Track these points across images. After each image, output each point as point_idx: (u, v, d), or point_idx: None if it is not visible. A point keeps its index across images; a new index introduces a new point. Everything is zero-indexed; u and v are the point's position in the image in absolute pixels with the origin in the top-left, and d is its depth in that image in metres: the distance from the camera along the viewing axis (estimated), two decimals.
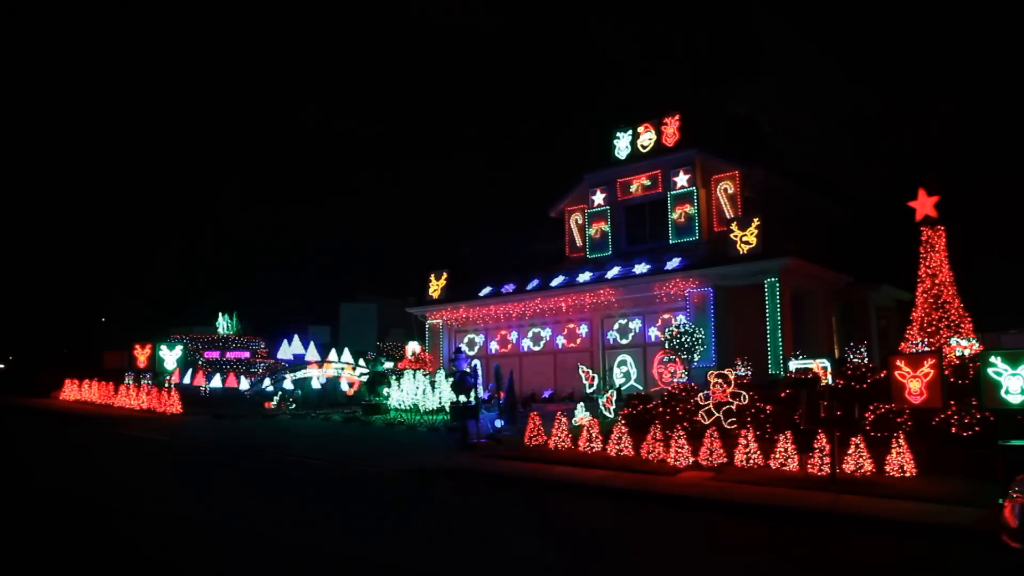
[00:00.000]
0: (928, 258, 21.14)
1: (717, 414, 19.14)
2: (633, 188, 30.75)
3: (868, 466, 15.48)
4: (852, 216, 33.69)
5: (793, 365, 21.82)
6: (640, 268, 28.20)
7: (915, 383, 16.57)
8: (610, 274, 28.84)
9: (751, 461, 16.30)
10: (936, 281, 20.94)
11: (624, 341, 29.27)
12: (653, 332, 28.36)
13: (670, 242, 29.34)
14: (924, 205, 21.11)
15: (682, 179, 29.42)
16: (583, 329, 30.21)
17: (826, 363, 21.65)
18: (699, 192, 29.00)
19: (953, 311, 20.64)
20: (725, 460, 16.47)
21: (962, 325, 20.64)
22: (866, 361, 19.02)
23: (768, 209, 26.85)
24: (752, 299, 25.59)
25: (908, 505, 13.11)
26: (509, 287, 31.19)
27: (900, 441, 15.81)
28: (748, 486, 14.57)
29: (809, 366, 21.32)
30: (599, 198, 31.15)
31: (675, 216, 29.35)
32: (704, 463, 16.46)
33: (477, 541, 11.25)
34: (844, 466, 15.55)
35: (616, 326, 29.54)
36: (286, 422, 28.30)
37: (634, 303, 28.62)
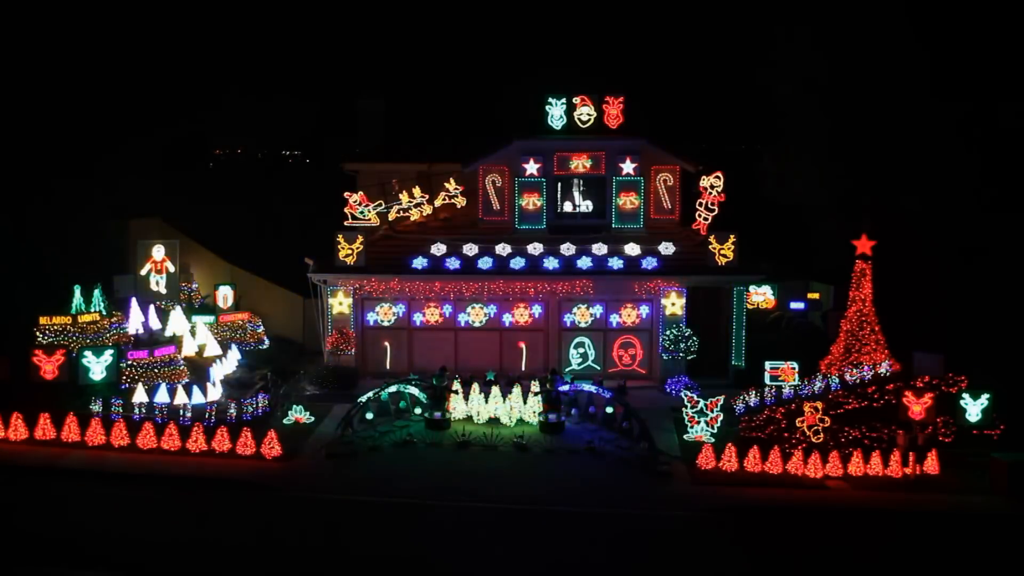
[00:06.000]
0: (859, 285, 27.26)
1: (810, 435, 23.02)
2: (573, 164, 31.89)
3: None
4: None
5: (767, 364, 26.32)
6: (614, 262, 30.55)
7: (917, 407, 20.50)
8: (582, 263, 30.45)
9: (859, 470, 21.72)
10: (864, 306, 27.20)
11: (583, 324, 31.27)
12: (615, 318, 31.04)
13: (613, 226, 31.41)
14: (863, 245, 27.32)
15: (628, 166, 31.40)
16: (536, 309, 31.40)
17: (795, 364, 25.65)
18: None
19: (871, 336, 27.14)
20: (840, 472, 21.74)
21: (879, 345, 27.08)
22: (867, 379, 22.54)
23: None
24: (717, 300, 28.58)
25: None
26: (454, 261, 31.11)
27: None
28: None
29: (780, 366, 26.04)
30: (532, 167, 31.83)
31: (620, 202, 31.25)
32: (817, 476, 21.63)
33: None
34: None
35: (574, 310, 31.29)
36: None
37: (597, 291, 30.82)
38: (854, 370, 25.16)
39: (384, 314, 31.58)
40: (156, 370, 27.72)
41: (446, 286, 31.01)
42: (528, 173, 31.92)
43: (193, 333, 30.76)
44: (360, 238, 30.97)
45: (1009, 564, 18.24)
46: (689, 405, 24.33)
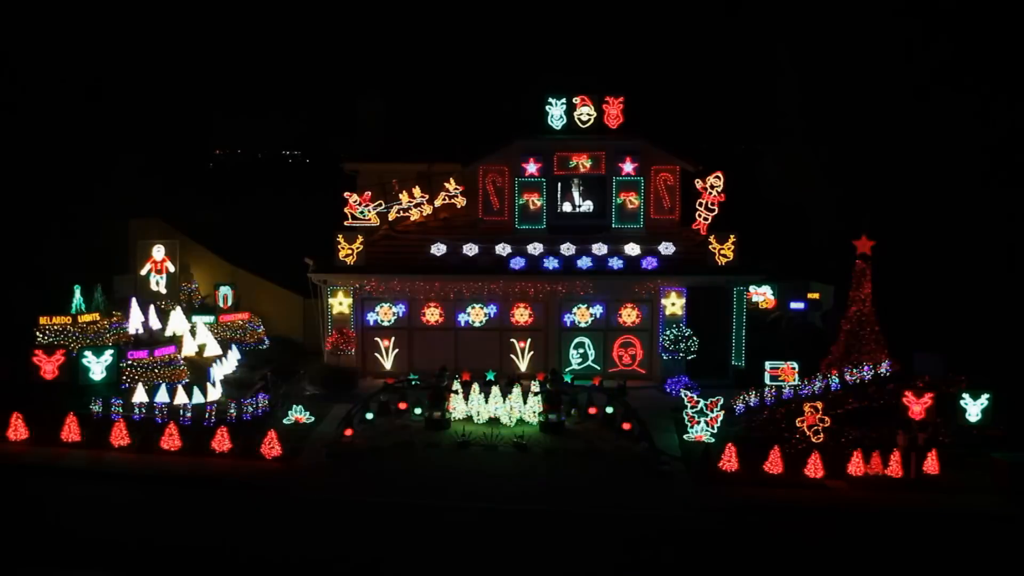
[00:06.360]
0: (859, 285, 27.21)
1: (810, 435, 22.95)
2: (573, 164, 31.92)
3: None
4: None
5: (767, 364, 27.15)
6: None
7: (917, 407, 20.69)
8: (582, 263, 30.53)
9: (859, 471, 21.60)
10: (864, 307, 27.10)
11: (583, 324, 31.37)
12: (615, 318, 31.19)
13: (613, 226, 31.55)
14: (864, 245, 27.29)
15: (628, 166, 31.52)
16: (536, 309, 31.53)
17: (795, 364, 25.85)
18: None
19: (871, 337, 27.02)
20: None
21: (879, 345, 26.97)
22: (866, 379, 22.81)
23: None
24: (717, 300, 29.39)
25: None
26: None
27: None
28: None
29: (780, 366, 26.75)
30: (532, 167, 31.85)
31: (620, 202, 31.39)
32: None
33: None
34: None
35: (574, 310, 31.39)
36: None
37: (597, 291, 31.02)
38: (854, 370, 25.25)
39: (384, 314, 31.60)
40: (156, 370, 27.73)
41: (446, 286, 31.05)
42: (528, 173, 31.94)
43: (193, 333, 30.78)
44: (360, 238, 31.02)
45: (1009, 564, 18.25)
46: (689, 405, 24.34)
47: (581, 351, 31.19)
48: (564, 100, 32.08)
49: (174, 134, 50.47)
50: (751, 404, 25.39)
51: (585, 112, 31.92)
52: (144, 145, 45.43)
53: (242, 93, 64.92)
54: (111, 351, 26.81)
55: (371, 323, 31.68)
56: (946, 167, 38.83)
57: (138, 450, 23.27)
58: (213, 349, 30.61)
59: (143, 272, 33.06)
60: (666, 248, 30.33)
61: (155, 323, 31.15)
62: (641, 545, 18.64)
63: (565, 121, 32.06)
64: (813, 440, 22.44)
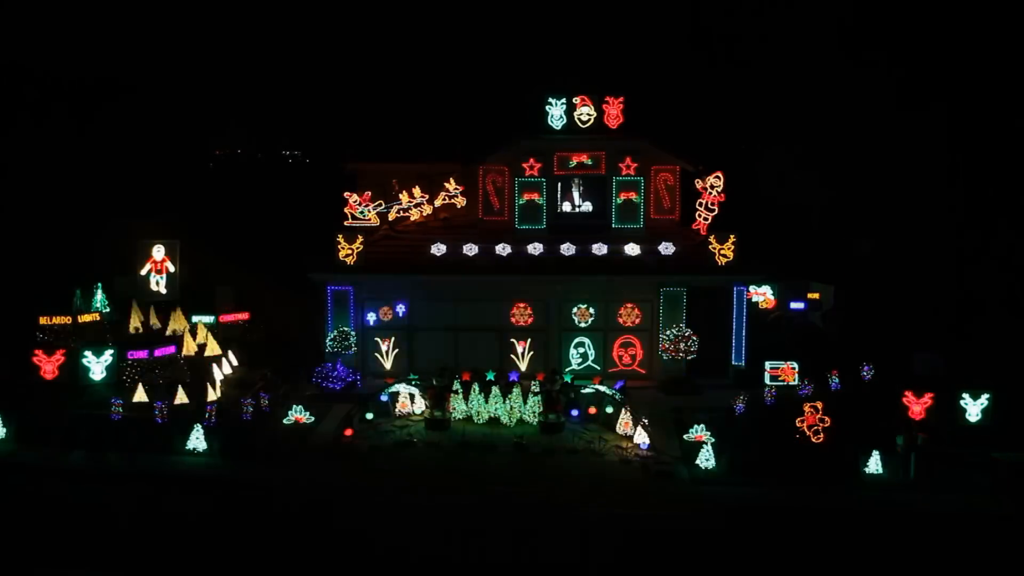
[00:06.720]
0: None
1: (810, 435, 23.02)
2: (573, 164, 31.92)
3: None
4: None
5: (767, 364, 27.30)
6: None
7: (917, 407, 20.77)
8: (582, 263, 30.42)
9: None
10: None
11: (583, 324, 31.31)
12: (615, 319, 31.18)
13: (613, 226, 31.49)
14: (863, 248, 27.24)
15: (628, 166, 31.50)
16: (536, 309, 31.50)
17: (795, 364, 25.79)
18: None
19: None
20: None
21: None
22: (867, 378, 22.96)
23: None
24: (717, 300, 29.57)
25: None
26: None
27: None
28: None
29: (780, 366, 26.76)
30: (532, 167, 31.88)
31: (620, 202, 31.38)
32: None
33: None
34: None
35: (574, 310, 31.37)
36: None
37: (597, 291, 30.98)
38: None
39: (384, 314, 31.59)
40: (156, 370, 27.72)
41: (446, 286, 31.04)
42: (528, 173, 31.95)
43: (193, 333, 30.79)
44: (360, 238, 31.01)
45: (1009, 564, 18.26)
46: None
47: (581, 351, 31.18)
48: (564, 100, 32.10)
49: (175, 134, 50.43)
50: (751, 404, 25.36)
51: (585, 112, 31.93)
52: (145, 145, 45.44)
53: (242, 93, 64.80)
54: (111, 351, 26.82)
55: (371, 323, 31.67)
56: (945, 167, 38.83)
57: (135, 449, 23.27)
58: (213, 349, 30.61)
59: (143, 272, 33.06)
60: (666, 248, 30.32)
61: (155, 323, 31.17)
62: (640, 544, 18.64)
63: (565, 121, 32.08)
64: (813, 440, 22.44)
